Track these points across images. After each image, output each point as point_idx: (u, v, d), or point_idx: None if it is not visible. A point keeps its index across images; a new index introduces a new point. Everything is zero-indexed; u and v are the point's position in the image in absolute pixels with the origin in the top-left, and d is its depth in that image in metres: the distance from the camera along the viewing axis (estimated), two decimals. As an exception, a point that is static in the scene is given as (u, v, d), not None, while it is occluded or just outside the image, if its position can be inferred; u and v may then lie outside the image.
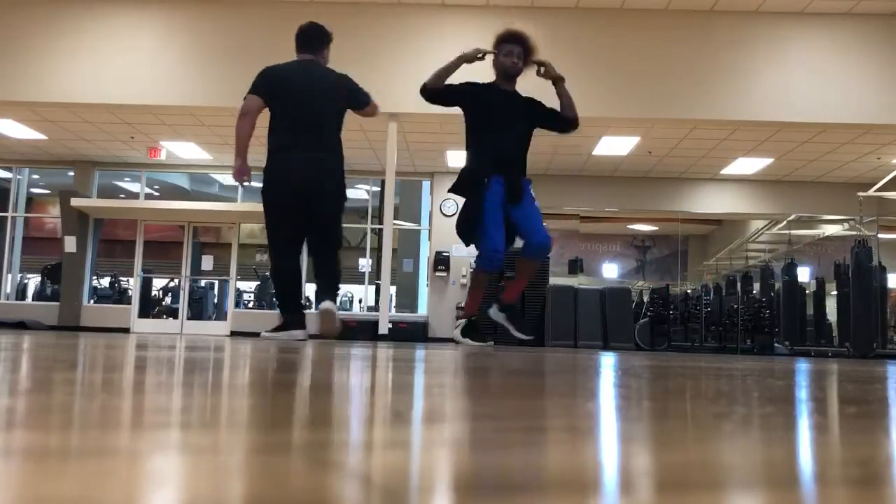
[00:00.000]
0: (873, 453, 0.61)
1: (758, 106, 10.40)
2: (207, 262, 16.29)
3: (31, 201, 17.49)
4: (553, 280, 13.52)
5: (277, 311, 5.54)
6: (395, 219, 11.47)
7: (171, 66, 10.60)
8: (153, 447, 0.51)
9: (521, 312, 5.20)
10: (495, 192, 5.04)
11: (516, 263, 5.44)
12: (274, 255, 5.27)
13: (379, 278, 11.49)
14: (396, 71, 10.53)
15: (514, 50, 5.26)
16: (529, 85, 5.48)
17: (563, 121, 5.37)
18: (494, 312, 5.35)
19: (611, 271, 19.06)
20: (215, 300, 16.06)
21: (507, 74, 5.27)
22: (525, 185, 5.19)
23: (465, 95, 5.22)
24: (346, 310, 18.14)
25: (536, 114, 5.33)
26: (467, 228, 5.12)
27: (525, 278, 5.37)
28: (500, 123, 5.14)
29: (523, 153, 5.23)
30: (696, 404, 1.06)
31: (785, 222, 15.13)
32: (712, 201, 15.36)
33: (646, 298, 14.53)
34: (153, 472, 0.43)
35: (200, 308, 15.77)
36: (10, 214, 15.59)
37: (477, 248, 5.15)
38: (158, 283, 16.38)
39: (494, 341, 6.84)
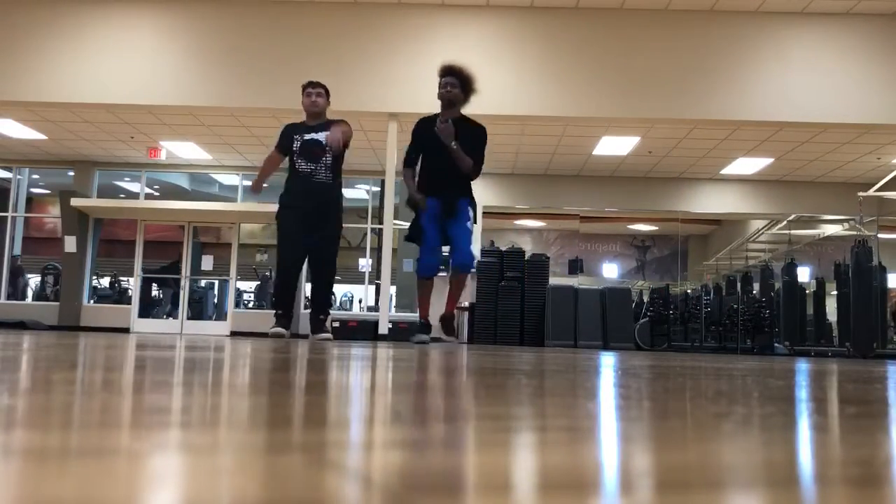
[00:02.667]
0: (873, 453, 0.61)
1: (758, 106, 10.39)
2: (207, 262, 16.28)
3: (31, 201, 17.49)
4: (553, 280, 13.50)
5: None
6: (395, 219, 11.47)
7: (171, 66, 10.60)
8: (153, 447, 0.51)
9: (451, 321, 6.36)
10: (431, 209, 5.90)
11: (449, 279, 6.27)
12: None
13: (379, 278, 11.49)
14: (396, 71, 10.53)
15: (447, 82, 6.02)
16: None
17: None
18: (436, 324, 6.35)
19: (611, 271, 19.06)
20: (215, 300, 16.05)
21: (444, 104, 6.06)
22: (462, 204, 6.02)
23: (417, 139, 6.03)
24: (346, 310, 18.16)
25: (472, 143, 6.06)
26: (413, 236, 6.11)
27: (455, 291, 6.15)
28: (436, 151, 5.93)
29: (460, 175, 5.99)
30: (696, 404, 1.06)
31: (785, 222, 15.14)
32: (712, 201, 15.36)
33: (646, 298, 14.53)
34: (153, 472, 0.43)
35: (200, 308, 15.76)
36: (10, 214, 15.59)
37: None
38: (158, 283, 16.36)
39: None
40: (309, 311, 6.40)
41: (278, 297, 6.26)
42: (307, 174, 6.18)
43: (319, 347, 3.86)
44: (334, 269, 6.41)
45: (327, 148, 6.18)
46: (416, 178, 6.09)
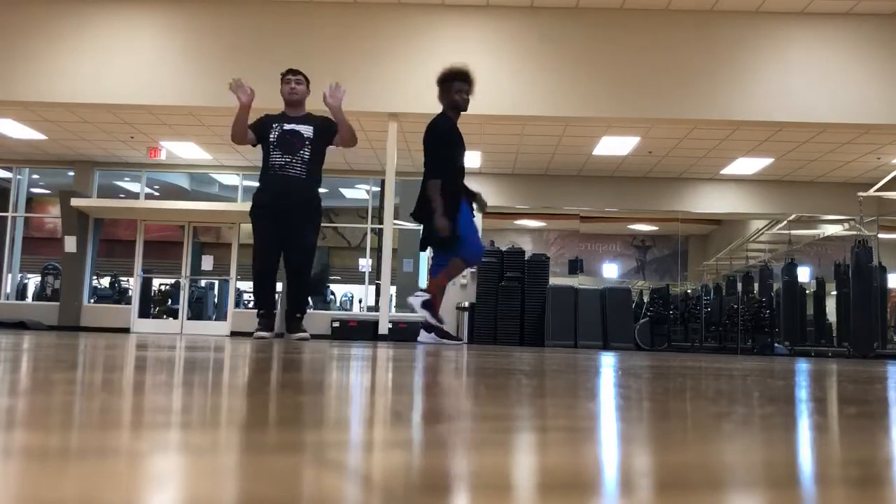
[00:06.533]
0: (873, 453, 0.61)
1: (758, 106, 10.40)
2: (207, 262, 16.28)
3: (31, 201, 17.49)
4: (553, 280, 13.52)
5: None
6: (395, 219, 11.47)
7: (171, 66, 10.60)
8: (153, 447, 0.51)
9: (442, 330, 6.25)
10: (466, 209, 6.03)
11: (452, 262, 6.13)
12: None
13: (379, 278, 11.49)
14: (396, 71, 10.53)
15: (464, 88, 6.01)
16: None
17: None
18: (423, 336, 6.16)
19: (611, 271, 19.06)
20: (215, 300, 16.05)
21: (458, 109, 6.04)
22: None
23: (458, 141, 6.02)
24: (346, 310, 18.15)
25: None
26: (452, 241, 5.98)
27: (452, 272, 6.10)
28: (461, 155, 6.03)
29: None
30: (696, 404, 1.06)
31: (785, 222, 15.14)
32: (712, 201, 15.36)
33: (646, 298, 14.53)
34: (153, 472, 0.43)
35: (200, 308, 15.76)
36: (10, 214, 15.59)
37: (458, 253, 5.98)
38: (158, 282, 16.37)
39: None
40: (285, 309, 6.28)
41: (257, 297, 6.21)
42: (280, 166, 5.97)
43: (320, 348, 3.87)
44: (310, 268, 6.28)
45: (306, 140, 6.03)
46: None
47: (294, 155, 5.99)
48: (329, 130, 6.14)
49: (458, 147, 5.99)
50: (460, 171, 6.01)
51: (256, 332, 6.07)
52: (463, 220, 5.98)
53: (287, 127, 6.03)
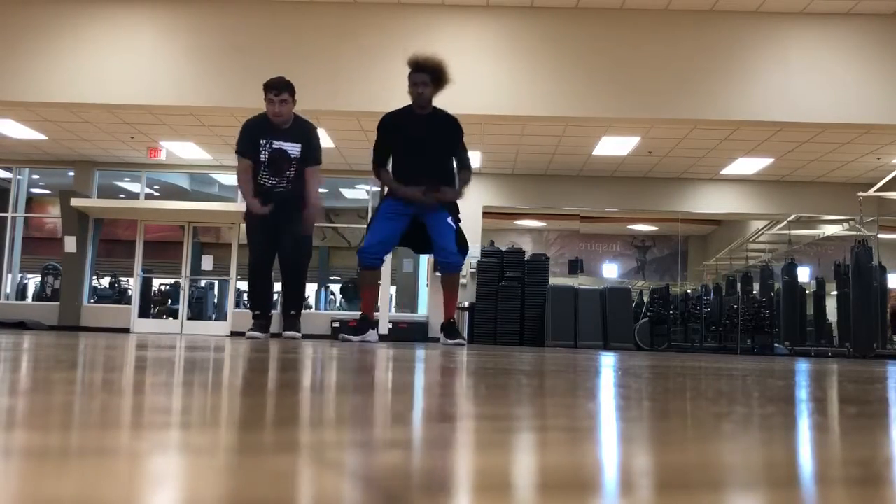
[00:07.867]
0: (873, 453, 0.61)
1: (758, 106, 10.40)
2: (207, 262, 16.28)
3: (31, 201, 17.49)
4: (553, 280, 13.52)
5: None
6: (395, 219, 11.46)
7: (171, 66, 10.60)
8: (153, 447, 0.51)
9: (453, 325, 5.98)
10: (397, 206, 5.66)
11: (441, 283, 5.96)
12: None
13: (379, 278, 11.49)
14: (396, 71, 10.52)
15: (418, 79, 5.63)
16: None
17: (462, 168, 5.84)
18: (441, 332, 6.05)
19: (611, 271, 19.05)
20: (215, 300, 16.05)
21: (417, 106, 5.73)
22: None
23: (386, 135, 5.81)
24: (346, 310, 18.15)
25: (452, 139, 5.77)
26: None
27: (449, 293, 5.84)
28: (408, 145, 5.68)
29: (436, 169, 5.68)
30: (696, 404, 1.06)
31: (785, 222, 15.14)
32: (712, 201, 15.36)
33: (646, 298, 14.53)
34: (153, 472, 0.43)
35: (200, 308, 15.76)
36: (10, 214, 15.59)
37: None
38: (158, 282, 16.37)
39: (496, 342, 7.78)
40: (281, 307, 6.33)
41: (251, 298, 6.31)
42: (269, 187, 6.00)
43: (320, 348, 3.87)
44: (303, 270, 6.24)
45: (293, 161, 5.98)
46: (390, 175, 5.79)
47: (281, 176, 6.02)
48: (311, 157, 6.07)
49: (389, 140, 5.73)
50: (403, 165, 5.68)
51: (249, 332, 6.03)
52: (381, 214, 5.71)
53: (276, 145, 5.96)
